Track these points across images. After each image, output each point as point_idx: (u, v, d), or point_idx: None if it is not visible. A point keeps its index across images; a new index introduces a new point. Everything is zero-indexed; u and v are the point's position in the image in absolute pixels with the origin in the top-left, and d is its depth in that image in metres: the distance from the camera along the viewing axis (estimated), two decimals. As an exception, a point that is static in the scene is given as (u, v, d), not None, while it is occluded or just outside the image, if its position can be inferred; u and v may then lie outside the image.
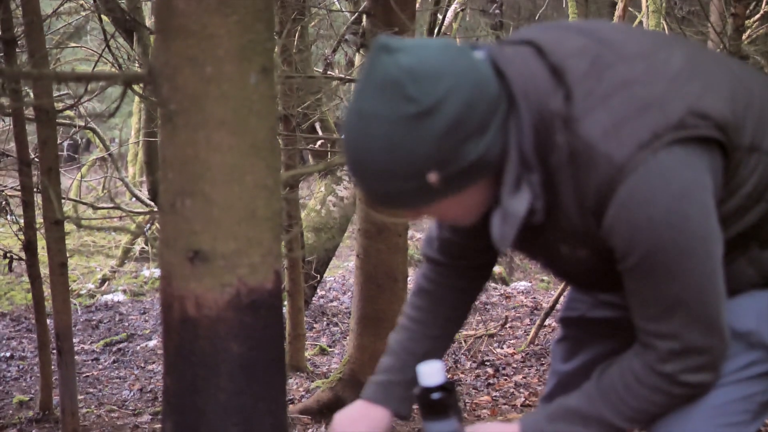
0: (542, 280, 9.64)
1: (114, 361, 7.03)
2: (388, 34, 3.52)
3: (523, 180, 1.61)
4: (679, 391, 1.67)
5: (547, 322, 6.31)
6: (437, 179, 1.54)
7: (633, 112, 1.55)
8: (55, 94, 5.32)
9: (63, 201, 3.99)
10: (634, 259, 1.58)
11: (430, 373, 1.84)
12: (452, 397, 1.84)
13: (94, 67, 5.14)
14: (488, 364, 5.86)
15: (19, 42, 4.20)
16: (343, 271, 10.08)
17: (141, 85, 3.37)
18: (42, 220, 3.90)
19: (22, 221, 4.74)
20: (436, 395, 1.84)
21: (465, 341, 6.52)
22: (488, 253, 1.96)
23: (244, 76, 1.72)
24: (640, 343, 1.68)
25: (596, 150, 1.55)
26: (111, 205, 2.44)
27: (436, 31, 5.55)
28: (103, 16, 4.98)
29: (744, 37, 5.36)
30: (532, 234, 1.69)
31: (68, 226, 2.95)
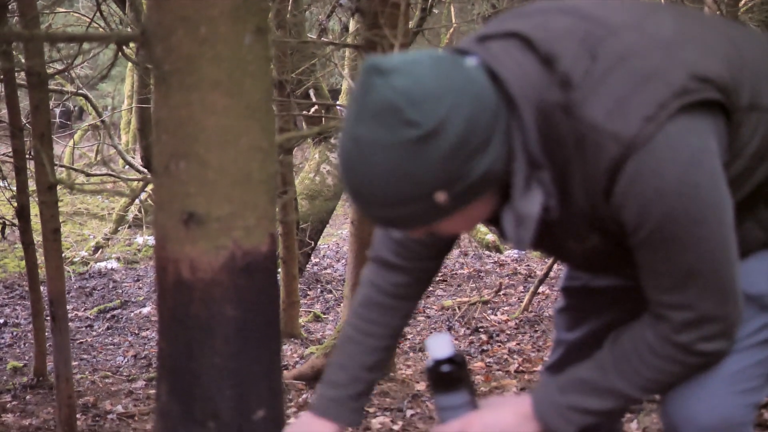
0: (536, 248, 9.63)
1: (108, 328, 7.03)
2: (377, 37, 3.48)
3: (533, 179, 1.57)
4: (695, 360, 1.65)
5: (540, 290, 6.32)
6: (445, 198, 1.50)
7: (634, 87, 1.52)
8: (47, 60, 5.29)
9: (56, 167, 3.97)
10: (646, 231, 1.55)
11: (439, 346, 1.81)
12: (462, 369, 1.82)
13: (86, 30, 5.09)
14: (482, 330, 5.87)
15: (9, 6, 4.16)
16: (337, 239, 10.08)
17: (133, 48, 3.35)
18: (35, 187, 3.88)
19: (14, 188, 4.72)
20: (446, 368, 1.81)
21: (459, 308, 6.54)
22: (447, 249, 1.95)
23: (239, 36, 1.70)
24: (652, 314, 1.66)
25: (602, 131, 1.51)
26: (104, 171, 2.43)
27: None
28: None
29: (740, 4, 5.34)
30: (541, 231, 1.65)
31: (61, 194, 2.94)
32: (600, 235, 1.66)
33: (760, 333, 1.71)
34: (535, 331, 5.75)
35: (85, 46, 2.08)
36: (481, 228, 8.75)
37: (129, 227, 10.15)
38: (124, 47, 2.05)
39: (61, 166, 7.01)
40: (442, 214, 1.54)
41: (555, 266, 6.29)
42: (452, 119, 1.44)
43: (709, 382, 1.68)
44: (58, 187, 2.59)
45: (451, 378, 1.81)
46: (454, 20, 8.37)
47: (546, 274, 6.05)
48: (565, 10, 1.65)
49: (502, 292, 6.94)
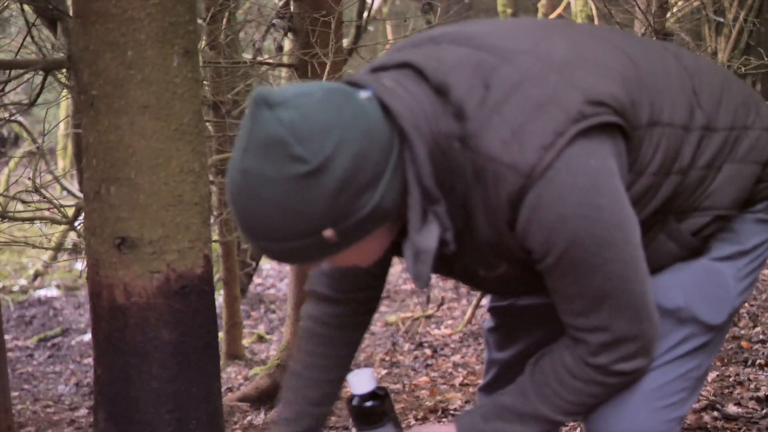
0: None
1: (49, 356, 6.93)
2: (314, 15, 3.50)
3: (429, 213, 1.54)
4: (614, 380, 1.65)
5: (483, 303, 6.36)
6: (332, 235, 1.47)
7: (529, 115, 1.50)
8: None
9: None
10: (553, 258, 1.53)
11: (361, 381, 1.78)
12: (386, 403, 1.78)
13: (15, 56, 5.04)
14: (426, 345, 5.89)
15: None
16: (279, 259, 10.03)
17: (65, 73, 3.32)
18: (-32, 215, 3.82)
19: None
20: (368, 403, 1.76)
21: (403, 323, 6.55)
22: (382, 278, 1.91)
23: (166, 59, 1.70)
24: (569, 337, 1.64)
25: (500, 162, 1.49)
26: (39, 197, 2.41)
27: (365, 15, 5.54)
28: (24, 6, 4.88)
29: (668, 15, 5.43)
30: (447, 262, 1.64)
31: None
32: (508, 263, 1.64)
33: (680, 347, 1.71)
34: (479, 344, 5.78)
35: (14, 72, 2.06)
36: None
37: (69, 254, 10.04)
38: (55, 72, 2.04)
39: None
40: (331, 250, 1.51)
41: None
42: (339, 156, 1.42)
43: (631, 400, 1.68)
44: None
45: (374, 413, 1.77)
46: (390, 37, 8.42)
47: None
48: (457, 39, 1.64)
49: (445, 306, 6.97)
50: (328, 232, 1.46)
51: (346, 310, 1.94)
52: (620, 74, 1.59)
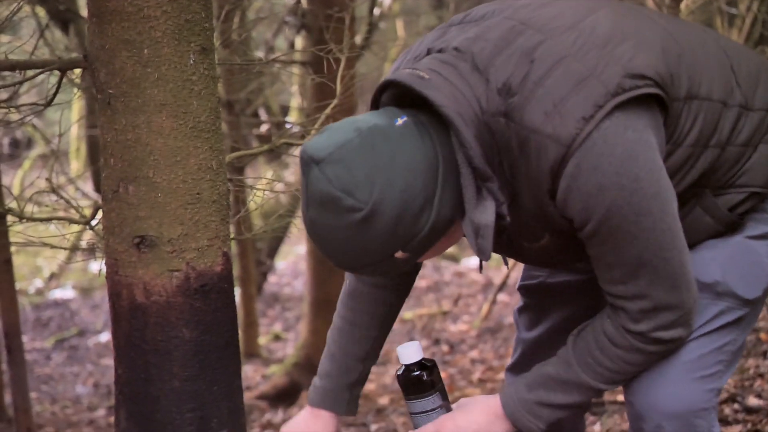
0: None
1: (66, 358, 6.95)
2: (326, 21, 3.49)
3: (483, 189, 1.64)
4: (654, 348, 1.70)
5: (499, 298, 6.34)
6: (402, 255, 1.63)
7: (571, 88, 1.57)
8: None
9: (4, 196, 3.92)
10: (592, 226, 1.60)
11: (409, 352, 1.85)
12: (433, 373, 1.85)
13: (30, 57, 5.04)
14: (443, 341, 5.88)
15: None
16: (293, 257, 10.05)
17: (78, 74, 3.32)
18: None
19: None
20: (416, 373, 1.84)
21: (419, 320, 6.54)
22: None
23: (183, 57, 1.69)
24: (610, 306, 1.71)
25: (542, 133, 1.57)
26: (55, 198, 2.40)
27: (376, 12, 5.53)
28: (36, 7, 4.89)
29: (682, 6, 5.41)
30: (496, 235, 1.70)
31: (11, 224, 2.91)
32: (551, 234, 1.70)
33: (717, 320, 1.75)
34: (496, 340, 5.77)
35: (29, 73, 2.06)
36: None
37: (85, 254, 10.04)
38: (68, 73, 2.04)
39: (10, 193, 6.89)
40: (406, 263, 1.67)
41: (512, 274, 6.32)
42: (387, 196, 1.56)
43: (670, 370, 1.72)
44: (8, 217, 2.56)
45: (422, 382, 1.84)
46: (401, 33, 8.40)
47: (503, 283, 6.08)
48: (502, 16, 1.70)
49: (461, 302, 6.96)
50: (398, 254, 1.62)
51: (387, 282, 2.03)
52: (660, 48, 1.65)
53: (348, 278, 2.06)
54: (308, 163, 1.58)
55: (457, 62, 1.65)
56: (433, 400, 1.83)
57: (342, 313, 2.06)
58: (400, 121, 1.61)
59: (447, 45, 1.69)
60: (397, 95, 1.68)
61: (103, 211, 1.78)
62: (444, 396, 1.86)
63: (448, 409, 1.85)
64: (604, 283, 1.69)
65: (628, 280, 1.64)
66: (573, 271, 2.04)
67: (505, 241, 1.76)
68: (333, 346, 2.05)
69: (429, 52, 1.72)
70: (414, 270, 2.04)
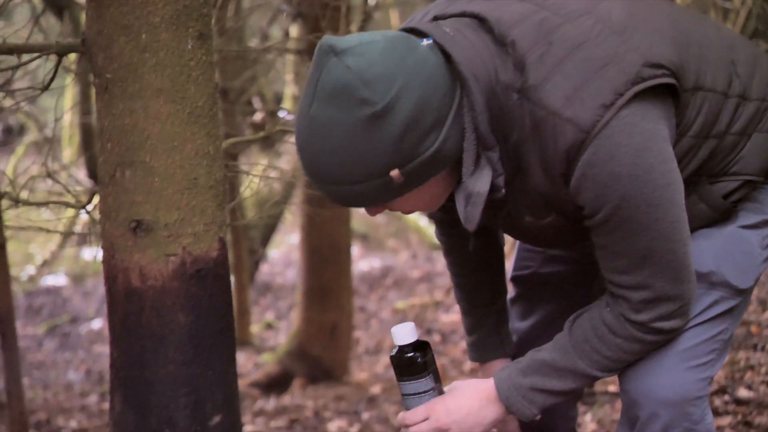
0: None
1: (58, 344, 6.95)
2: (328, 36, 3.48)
3: (482, 158, 1.63)
4: (653, 338, 1.71)
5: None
6: (399, 176, 1.55)
7: (591, 74, 1.58)
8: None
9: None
10: (604, 214, 1.61)
11: (403, 333, 1.83)
12: (427, 355, 1.84)
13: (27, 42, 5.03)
14: (435, 331, 5.89)
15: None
16: (286, 247, 10.05)
17: (72, 59, 3.32)
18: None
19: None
20: (409, 354, 1.83)
21: (411, 310, 6.56)
22: None
23: (181, 42, 1.70)
24: (610, 294, 1.72)
25: (561, 116, 1.57)
26: (51, 183, 2.41)
27: (372, 2, 5.52)
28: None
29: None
30: (495, 208, 1.71)
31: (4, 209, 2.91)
32: (557, 214, 1.71)
33: (711, 309, 1.77)
34: (488, 330, 5.77)
35: (26, 58, 2.06)
36: (431, 229, 8.78)
37: (80, 239, 10.03)
38: (64, 58, 2.04)
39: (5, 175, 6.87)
40: (397, 192, 1.59)
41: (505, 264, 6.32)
42: (404, 99, 1.50)
43: (664, 359, 1.74)
44: (2, 201, 2.56)
45: (415, 364, 1.83)
46: (395, 23, 8.40)
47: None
48: None
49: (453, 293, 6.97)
50: (395, 173, 1.54)
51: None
52: (672, 39, 1.66)
53: (438, 238, 2.08)
54: (326, 52, 1.53)
55: (478, 28, 1.64)
56: (425, 382, 1.82)
57: (450, 271, 2.10)
58: (425, 42, 1.60)
59: (468, 12, 1.67)
60: None
61: (100, 196, 1.79)
62: (437, 378, 1.85)
63: (441, 392, 1.84)
64: (607, 271, 1.70)
65: (632, 270, 1.66)
66: (563, 262, 2.06)
67: (505, 216, 1.76)
68: (461, 302, 2.10)
69: (445, 16, 1.70)
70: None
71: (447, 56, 1.60)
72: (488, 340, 2.06)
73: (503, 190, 1.66)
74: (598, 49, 1.60)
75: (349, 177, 1.55)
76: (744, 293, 1.80)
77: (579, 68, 1.58)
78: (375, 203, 1.63)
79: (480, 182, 1.62)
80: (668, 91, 1.63)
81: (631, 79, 1.57)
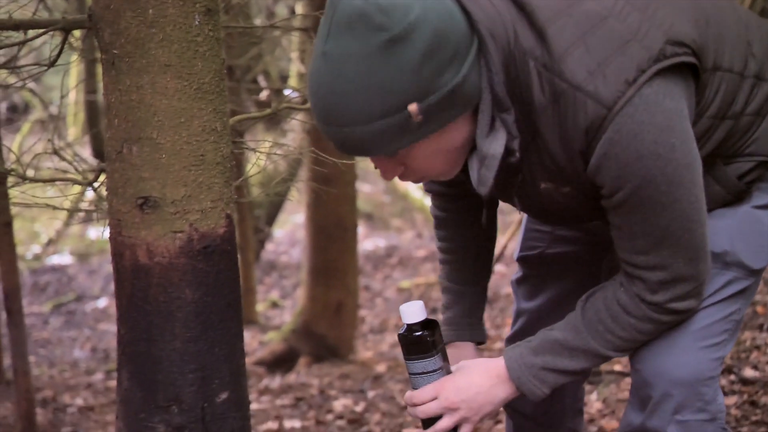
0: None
1: (64, 322, 6.97)
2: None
3: (497, 120, 1.60)
4: (668, 318, 1.71)
5: (497, 269, 6.35)
6: (417, 111, 1.49)
7: (615, 49, 1.56)
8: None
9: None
10: (624, 194, 1.60)
11: (411, 311, 1.82)
12: (435, 334, 1.82)
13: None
14: (440, 310, 5.89)
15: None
16: (291, 226, 10.07)
17: (77, 36, 3.30)
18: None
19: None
20: (418, 332, 1.81)
21: (416, 289, 6.56)
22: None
23: (188, 18, 1.68)
24: (625, 275, 1.70)
25: (583, 90, 1.55)
26: (57, 159, 2.40)
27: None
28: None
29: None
30: (509, 174, 1.69)
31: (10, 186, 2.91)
32: (573, 188, 1.69)
33: (724, 289, 1.76)
34: (493, 310, 5.79)
35: (32, 33, 2.05)
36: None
37: (86, 216, 10.01)
38: (70, 35, 2.03)
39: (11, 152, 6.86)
40: (414, 134, 1.53)
41: (510, 245, 6.33)
42: (420, 27, 1.47)
43: (678, 338, 1.73)
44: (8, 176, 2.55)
45: (424, 342, 1.81)
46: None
47: (500, 254, 6.08)
48: None
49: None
50: (413, 107, 1.48)
51: (463, 196, 1.99)
52: (692, 17, 1.64)
53: (432, 211, 2.07)
54: None
55: None
56: (434, 361, 1.81)
57: (437, 245, 2.09)
58: None
59: None
60: None
61: (107, 172, 1.78)
62: (445, 357, 1.84)
63: (449, 371, 1.83)
64: (623, 251, 1.68)
65: (650, 250, 1.64)
66: (571, 242, 2.04)
67: (521, 182, 1.73)
68: (442, 279, 2.09)
69: None
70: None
71: (467, 14, 1.56)
72: (459, 321, 2.04)
73: (518, 154, 1.63)
74: (621, 24, 1.58)
75: (364, 114, 1.50)
76: (756, 273, 1.79)
77: (602, 43, 1.56)
78: (391, 147, 1.55)
79: (495, 144, 1.59)
80: (689, 71, 1.62)
81: (654, 56, 1.56)
